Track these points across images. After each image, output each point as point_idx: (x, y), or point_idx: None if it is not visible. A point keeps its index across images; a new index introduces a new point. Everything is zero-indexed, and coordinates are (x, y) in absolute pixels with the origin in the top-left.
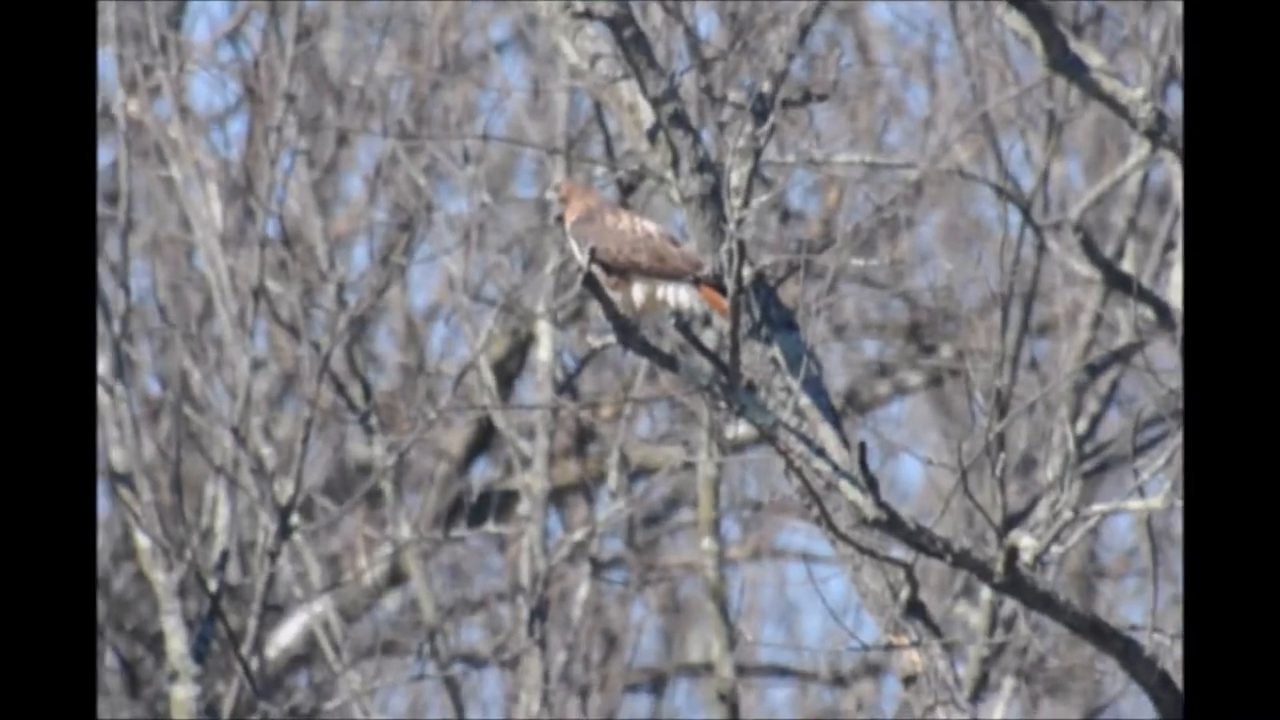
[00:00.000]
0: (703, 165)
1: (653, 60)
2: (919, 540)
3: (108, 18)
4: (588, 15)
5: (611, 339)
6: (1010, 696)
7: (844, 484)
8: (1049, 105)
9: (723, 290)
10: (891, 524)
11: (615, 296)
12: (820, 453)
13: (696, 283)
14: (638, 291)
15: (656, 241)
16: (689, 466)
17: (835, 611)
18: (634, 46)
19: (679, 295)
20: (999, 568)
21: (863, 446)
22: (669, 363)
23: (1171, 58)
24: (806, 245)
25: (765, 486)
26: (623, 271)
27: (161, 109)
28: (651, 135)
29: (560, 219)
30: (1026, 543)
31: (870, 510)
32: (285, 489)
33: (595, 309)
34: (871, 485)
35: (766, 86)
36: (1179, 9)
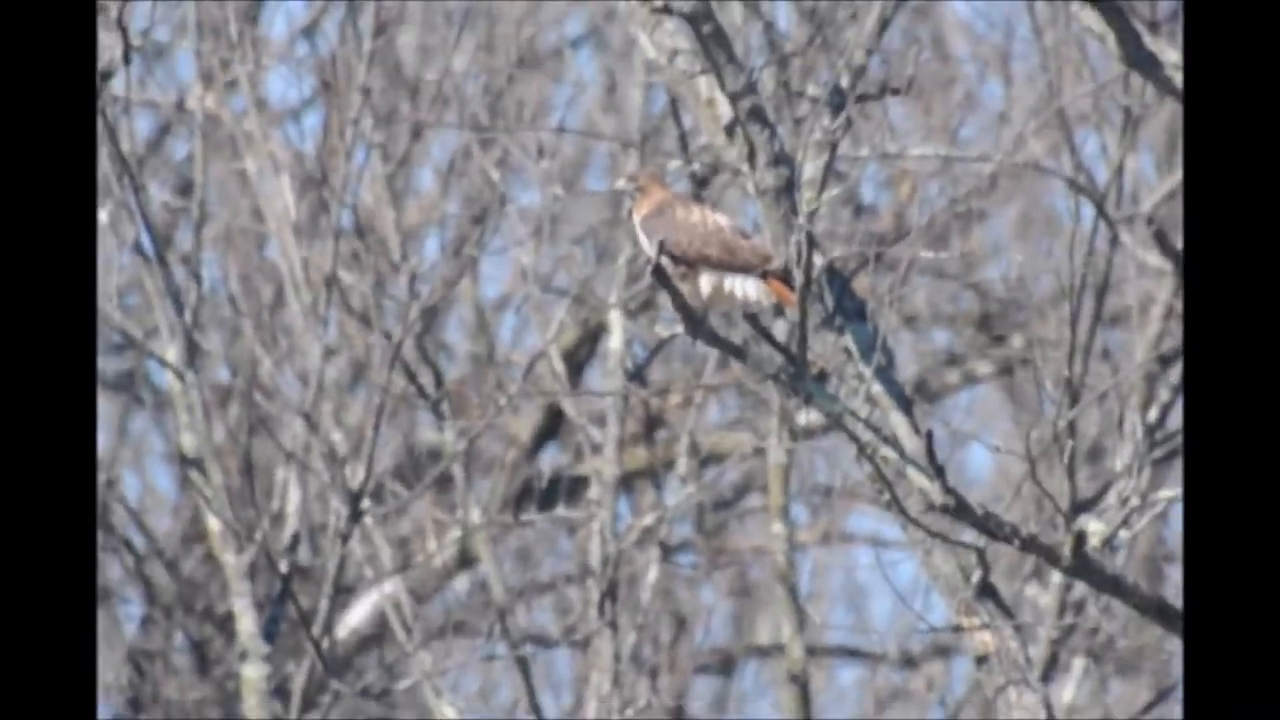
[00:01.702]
0: (778, 159)
1: (731, 55)
2: (987, 525)
3: (187, 14)
4: (667, 10)
5: (680, 329)
6: (1080, 676)
7: (911, 471)
8: (1125, 101)
9: (791, 284)
10: (959, 509)
11: (683, 288)
12: (889, 440)
13: (764, 276)
14: (705, 283)
15: (727, 234)
16: (759, 452)
17: (904, 594)
18: (713, 42)
19: (746, 288)
20: (1067, 552)
21: (929, 434)
22: (737, 353)
23: None
24: (879, 238)
25: (835, 472)
26: (691, 263)
27: (237, 104)
28: (729, 129)
29: (630, 213)
30: (1094, 527)
31: (938, 496)
32: (356, 473)
33: (665, 300)
34: (939, 472)
35: (843, 81)
36: None
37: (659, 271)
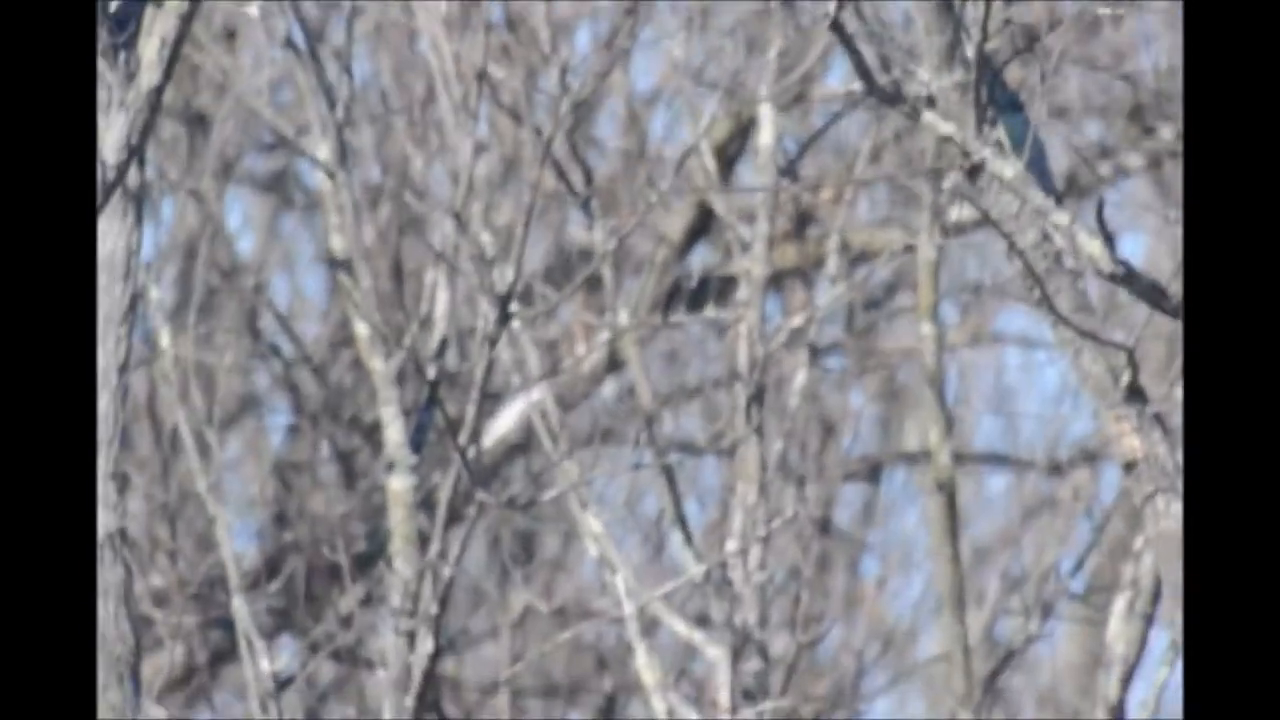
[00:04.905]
0: None
1: None
2: (1153, 297)
3: None
4: None
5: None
6: None
7: (1082, 236)
8: None
9: None
10: (1129, 278)
11: None
12: (1057, 226)
13: None
14: None
15: None
16: (909, 249)
17: (1053, 397)
18: None
19: None
20: None
21: (1101, 203)
22: (912, 113)
23: None
24: (1030, 29)
25: (985, 269)
26: None
27: None
28: None
29: None
30: None
31: (1107, 265)
32: (505, 275)
33: (817, 93)
34: (1109, 240)
35: None
36: None
37: (837, 25)
